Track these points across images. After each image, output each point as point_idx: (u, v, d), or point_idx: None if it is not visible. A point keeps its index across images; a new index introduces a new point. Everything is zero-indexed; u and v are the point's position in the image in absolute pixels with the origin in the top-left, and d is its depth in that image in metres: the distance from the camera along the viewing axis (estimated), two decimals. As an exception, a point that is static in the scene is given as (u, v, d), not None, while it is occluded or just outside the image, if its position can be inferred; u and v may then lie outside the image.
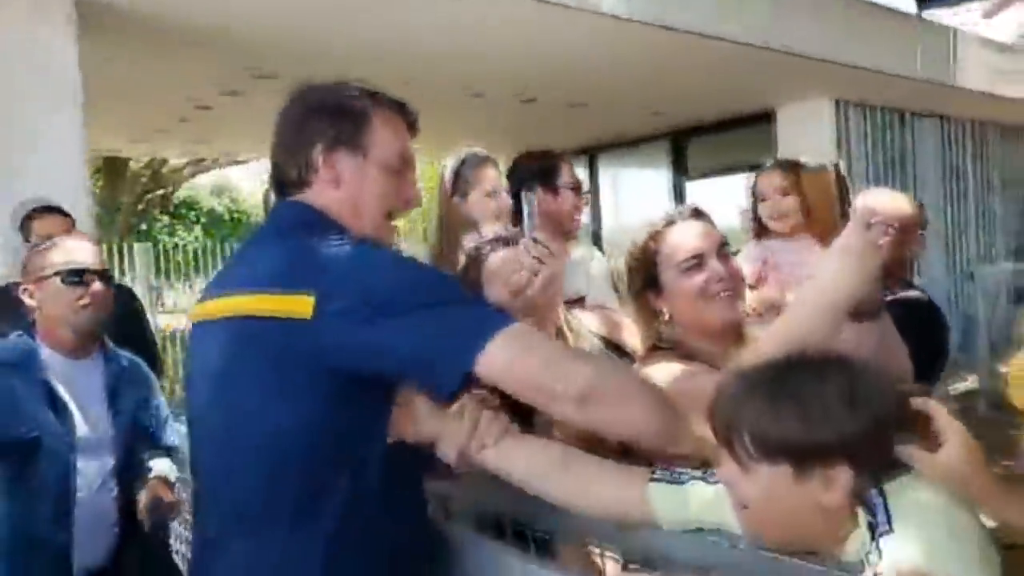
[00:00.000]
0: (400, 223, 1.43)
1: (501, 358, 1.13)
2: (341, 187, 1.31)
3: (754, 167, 8.79)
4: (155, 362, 3.08)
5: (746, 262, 2.17)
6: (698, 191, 8.64)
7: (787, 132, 7.35)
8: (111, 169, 14.84)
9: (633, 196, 8.78)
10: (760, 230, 2.27)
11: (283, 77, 5.44)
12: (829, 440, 0.97)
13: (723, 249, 1.49)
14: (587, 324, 1.81)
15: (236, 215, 24.99)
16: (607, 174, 9.29)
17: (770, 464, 0.99)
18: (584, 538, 1.33)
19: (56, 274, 1.99)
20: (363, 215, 1.31)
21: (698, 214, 1.53)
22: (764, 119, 7.46)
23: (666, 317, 1.51)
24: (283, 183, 1.34)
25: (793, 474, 0.98)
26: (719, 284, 1.46)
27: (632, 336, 1.85)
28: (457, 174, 2.28)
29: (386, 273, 1.21)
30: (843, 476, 0.98)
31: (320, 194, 1.31)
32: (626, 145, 9.04)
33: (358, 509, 1.20)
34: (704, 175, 8.52)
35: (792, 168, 2.19)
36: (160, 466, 2.11)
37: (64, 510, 1.96)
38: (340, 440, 1.19)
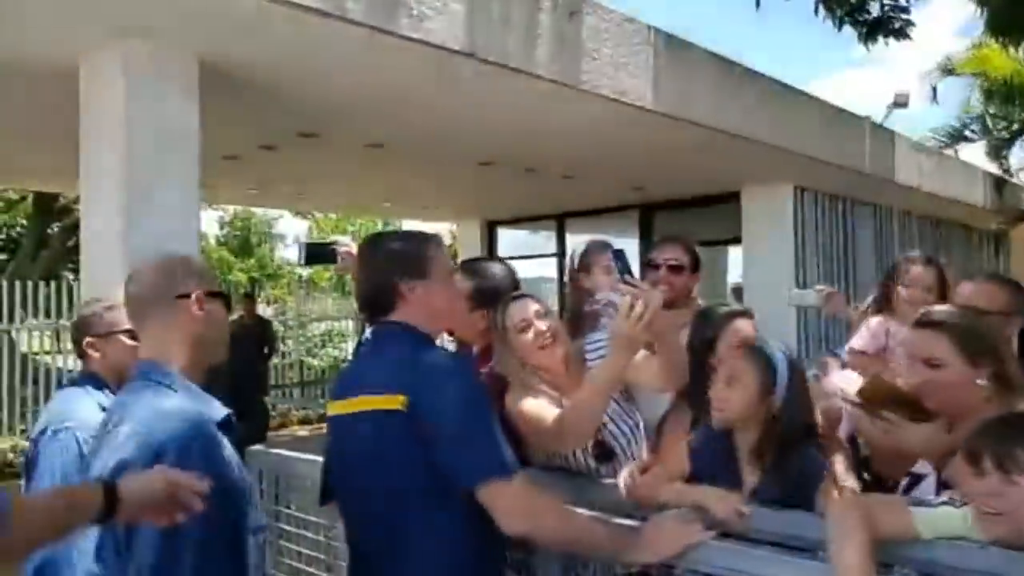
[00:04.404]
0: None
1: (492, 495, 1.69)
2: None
3: (718, 242, 9.37)
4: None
5: (868, 332, 2.68)
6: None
7: (751, 212, 8.12)
8: (40, 204, 14.34)
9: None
10: (885, 306, 2.75)
11: (322, 136, 5.74)
12: None
13: None
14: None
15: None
16: (574, 239, 9.81)
17: None
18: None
19: (124, 331, 2.17)
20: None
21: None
22: (730, 198, 8.21)
23: None
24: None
25: None
26: None
27: None
28: (584, 256, 2.94)
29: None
30: None
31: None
32: (595, 213, 9.64)
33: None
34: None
35: (935, 264, 2.73)
36: None
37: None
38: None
